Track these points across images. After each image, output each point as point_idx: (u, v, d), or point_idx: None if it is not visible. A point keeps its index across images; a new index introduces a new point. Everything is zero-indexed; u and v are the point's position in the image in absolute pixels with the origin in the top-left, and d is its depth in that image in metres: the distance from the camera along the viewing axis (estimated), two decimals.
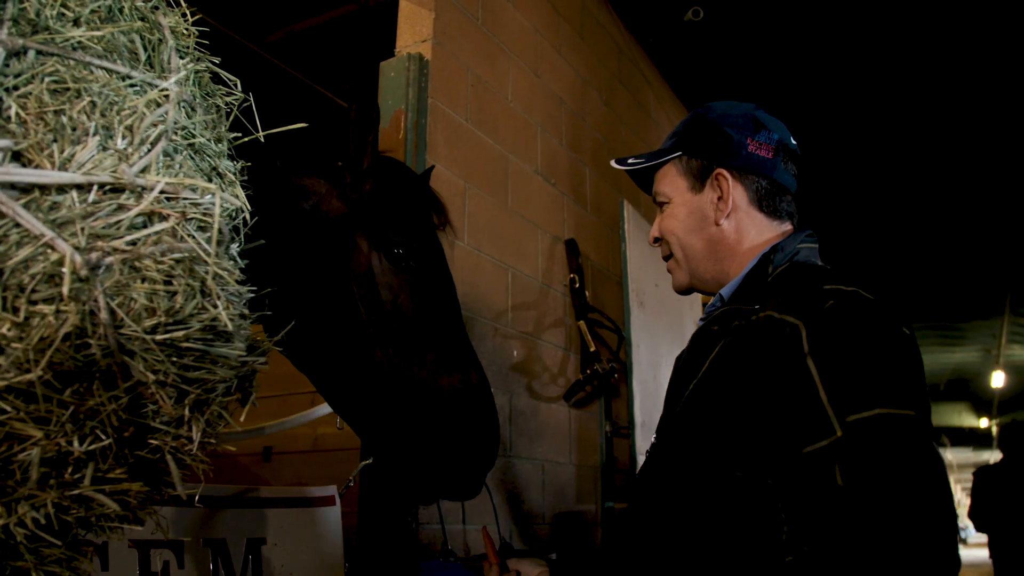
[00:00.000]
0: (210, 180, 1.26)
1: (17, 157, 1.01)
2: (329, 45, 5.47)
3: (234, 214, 1.29)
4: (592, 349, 3.82)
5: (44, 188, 1.00)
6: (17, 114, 1.03)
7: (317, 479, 2.79)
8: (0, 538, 1.05)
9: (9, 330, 0.95)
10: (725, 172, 1.66)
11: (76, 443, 1.05)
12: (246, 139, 1.39)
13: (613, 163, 1.88)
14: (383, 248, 1.79)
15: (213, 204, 1.12)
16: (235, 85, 1.37)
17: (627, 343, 4.26)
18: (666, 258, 1.79)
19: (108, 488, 1.12)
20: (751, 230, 1.67)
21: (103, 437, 1.07)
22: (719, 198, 1.66)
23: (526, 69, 3.96)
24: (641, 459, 2.88)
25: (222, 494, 2.20)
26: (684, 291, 1.79)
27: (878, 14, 5.22)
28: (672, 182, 1.72)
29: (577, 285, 3.89)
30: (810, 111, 6.30)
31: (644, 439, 4.21)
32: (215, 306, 1.05)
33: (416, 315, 1.79)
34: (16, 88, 1.05)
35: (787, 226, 1.70)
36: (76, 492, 1.09)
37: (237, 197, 1.29)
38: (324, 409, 2.49)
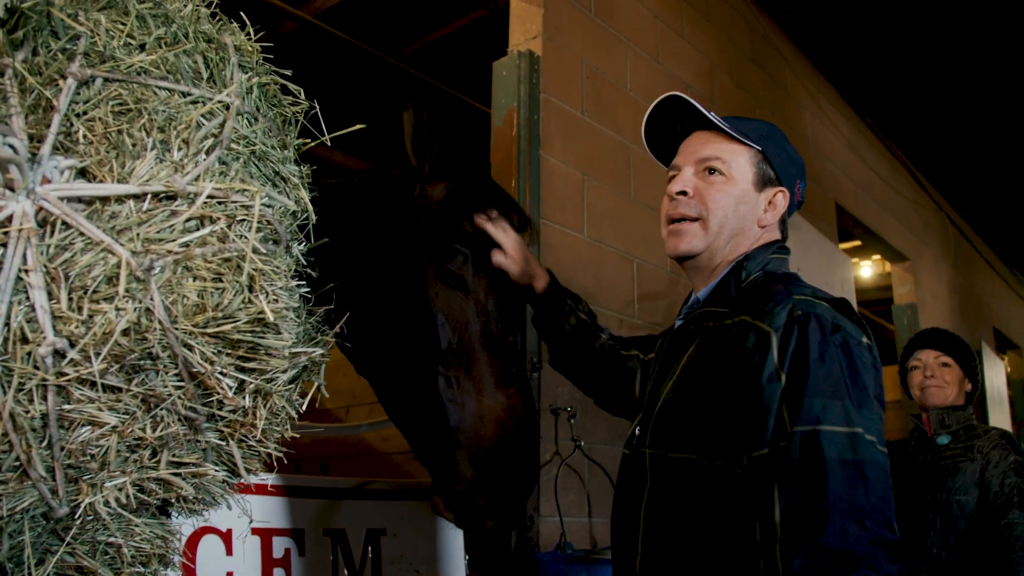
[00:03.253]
0: (274, 184, 1.35)
1: (83, 173, 1.13)
2: (463, 50, 5.61)
3: (297, 214, 1.37)
4: None
5: (105, 199, 1.11)
6: (84, 135, 1.15)
7: None
8: (89, 516, 1.18)
9: (76, 327, 1.06)
10: (786, 192, 1.76)
11: (148, 429, 1.16)
12: (312, 143, 1.47)
13: (688, 97, 1.77)
14: (436, 264, 1.82)
15: (265, 206, 1.20)
16: (299, 94, 1.45)
17: None
18: (681, 219, 1.73)
19: (184, 472, 1.23)
20: (765, 242, 1.75)
21: (172, 425, 1.18)
22: (768, 209, 1.74)
23: (645, 56, 3.92)
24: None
25: (342, 486, 2.32)
26: (685, 256, 1.75)
27: None
28: (740, 165, 1.72)
29: None
30: (957, 71, 5.88)
31: None
32: (260, 301, 1.13)
33: (462, 336, 1.80)
34: (85, 113, 1.17)
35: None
36: (155, 475, 1.20)
37: (300, 200, 1.37)
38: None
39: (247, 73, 1.38)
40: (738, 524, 1.43)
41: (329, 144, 1.49)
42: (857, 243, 6.76)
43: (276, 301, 1.16)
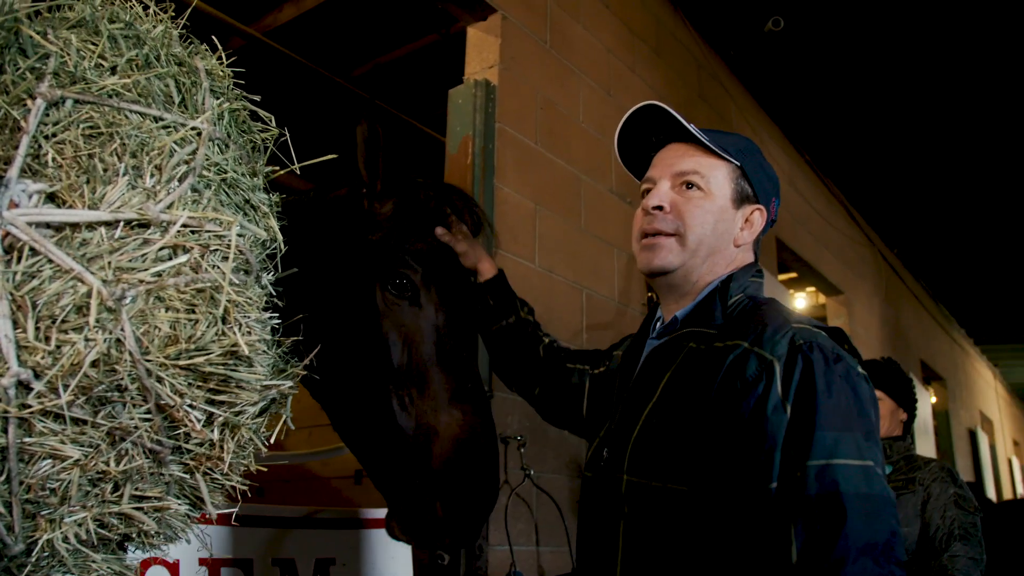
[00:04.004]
0: (244, 213, 1.33)
1: (52, 198, 1.10)
2: (413, 74, 5.61)
3: (267, 243, 1.35)
4: None
5: (75, 226, 1.08)
6: (53, 158, 1.12)
7: None
8: (46, 552, 1.13)
9: (42, 358, 1.02)
10: (763, 210, 1.73)
11: (112, 463, 1.12)
12: (282, 171, 1.45)
13: (667, 107, 1.72)
14: (385, 281, 1.81)
15: (238, 236, 1.18)
16: (270, 121, 1.44)
17: None
18: (656, 233, 1.68)
19: (146, 506, 1.19)
20: (740, 261, 1.72)
21: (137, 458, 1.14)
22: (744, 227, 1.70)
23: (598, 89, 3.97)
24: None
25: (290, 515, 2.28)
26: (658, 273, 1.69)
27: (960, 21, 5.02)
28: (719, 180, 1.68)
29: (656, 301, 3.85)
30: (892, 114, 6.10)
31: None
32: (235, 333, 1.10)
33: (413, 353, 1.78)
34: (54, 135, 1.14)
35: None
36: (116, 510, 1.16)
37: (269, 228, 1.35)
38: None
39: (218, 98, 1.36)
40: (735, 559, 1.39)
41: (299, 173, 1.48)
42: (793, 275, 6.93)
43: (249, 333, 1.14)
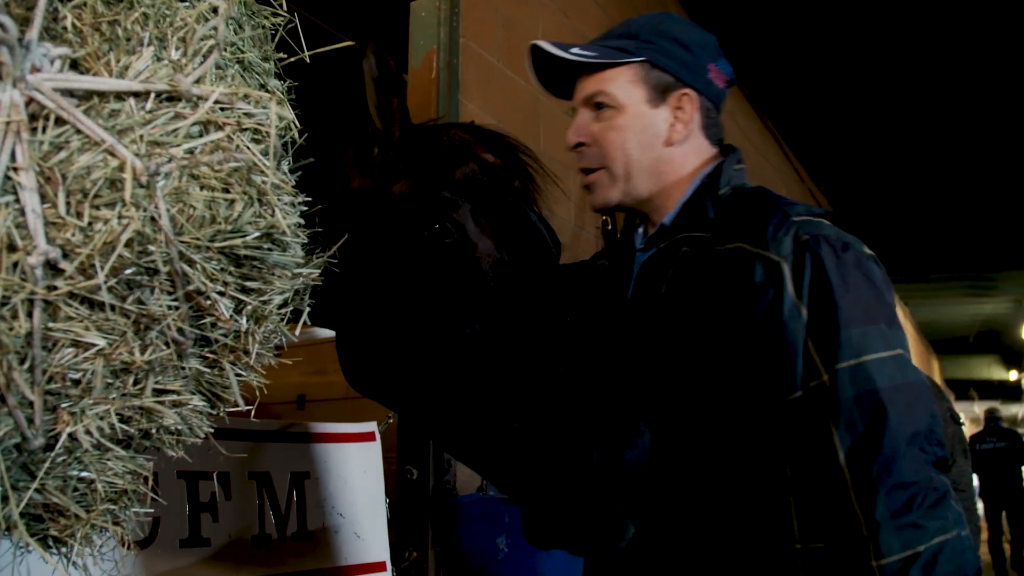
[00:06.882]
0: None
1: (75, 66, 1.01)
2: None
3: (283, 132, 1.28)
4: None
5: (103, 95, 1.00)
6: (73, 24, 1.03)
7: None
8: (66, 447, 1.07)
9: (73, 235, 0.96)
10: (692, 93, 1.58)
11: (137, 353, 1.07)
12: (292, 59, 1.38)
13: (544, 44, 1.59)
14: (420, 230, 1.55)
15: (267, 115, 1.11)
16: (280, 6, 1.36)
17: None
18: (589, 170, 1.60)
19: (167, 400, 1.14)
20: (694, 154, 1.61)
21: (163, 348, 1.09)
22: (677, 119, 1.57)
23: (556, 11, 3.91)
24: None
25: (265, 428, 2.23)
26: (607, 209, 1.63)
27: None
28: (625, 88, 1.55)
29: (610, 227, 3.86)
30: (826, 50, 6.19)
31: None
32: (272, 214, 1.05)
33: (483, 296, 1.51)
34: None
35: (716, 149, 1.65)
36: (137, 403, 1.11)
37: (286, 115, 1.28)
38: None
39: None
40: (761, 472, 1.37)
41: (308, 60, 1.40)
42: None
43: (286, 216, 1.09)
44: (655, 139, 1.56)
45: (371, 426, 2.50)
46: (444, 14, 3.11)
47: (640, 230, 1.70)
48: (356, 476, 2.42)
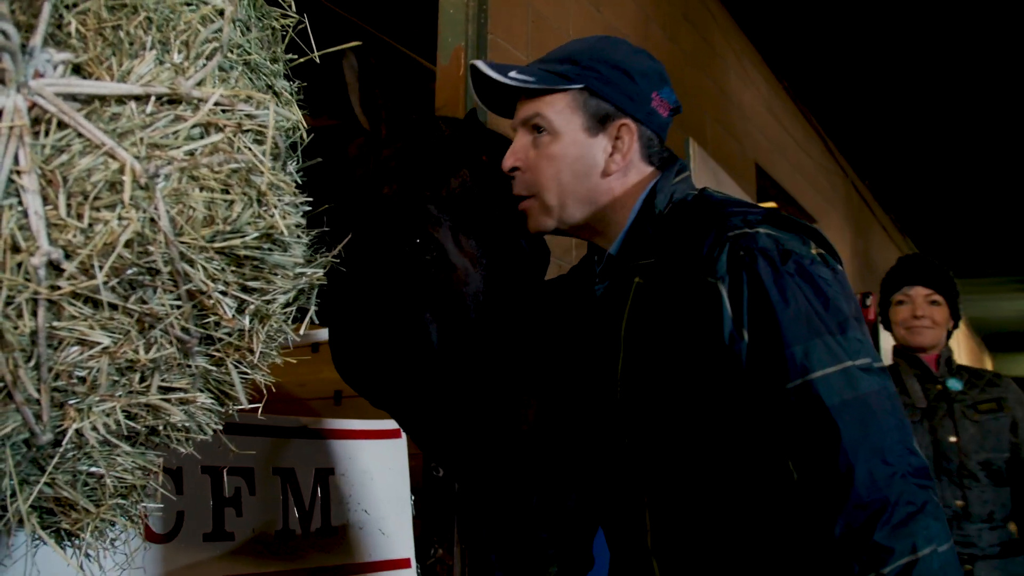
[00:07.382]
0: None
1: (77, 70, 1.04)
2: None
3: (290, 132, 1.30)
4: None
5: (104, 99, 1.02)
6: (77, 29, 1.05)
7: None
8: (74, 443, 1.10)
9: (74, 236, 0.98)
10: (632, 124, 1.52)
11: (141, 351, 1.09)
12: (301, 60, 1.39)
13: (481, 65, 1.55)
14: (403, 243, 1.58)
15: (267, 117, 1.13)
16: (289, 7, 1.37)
17: None
18: (522, 197, 1.55)
19: (173, 398, 1.16)
20: (633, 181, 1.54)
21: (167, 346, 1.11)
22: (615, 149, 1.51)
23: (587, 4, 3.89)
24: None
25: (290, 425, 2.26)
26: (542, 234, 1.59)
27: None
28: (563, 114, 1.50)
29: None
30: (871, 46, 6.08)
31: None
32: (271, 215, 1.06)
33: (456, 328, 1.56)
34: (75, 4, 1.07)
35: (653, 168, 1.57)
36: (143, 400, 1.13)
37: (292, 116, 1.29)
38: None
39: None
40: (748, 488, 1.35)
41: (318, 61, 1.41)
42: (772, 204, 6.96)
43: (286, 217, 1.10)
44: (591, 169, 1.51)
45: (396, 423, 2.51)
46: (472, 11, 3.11)
47: (596, 256, 1.65)
48: (381, 473, 2.43)
